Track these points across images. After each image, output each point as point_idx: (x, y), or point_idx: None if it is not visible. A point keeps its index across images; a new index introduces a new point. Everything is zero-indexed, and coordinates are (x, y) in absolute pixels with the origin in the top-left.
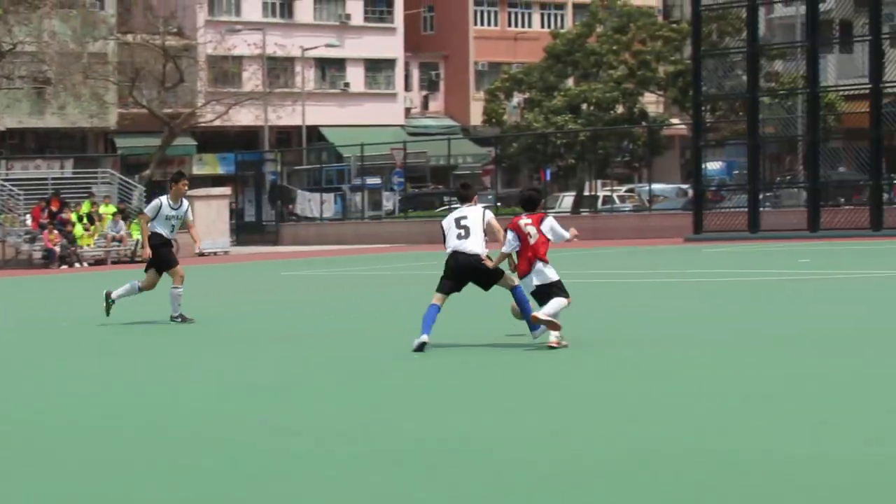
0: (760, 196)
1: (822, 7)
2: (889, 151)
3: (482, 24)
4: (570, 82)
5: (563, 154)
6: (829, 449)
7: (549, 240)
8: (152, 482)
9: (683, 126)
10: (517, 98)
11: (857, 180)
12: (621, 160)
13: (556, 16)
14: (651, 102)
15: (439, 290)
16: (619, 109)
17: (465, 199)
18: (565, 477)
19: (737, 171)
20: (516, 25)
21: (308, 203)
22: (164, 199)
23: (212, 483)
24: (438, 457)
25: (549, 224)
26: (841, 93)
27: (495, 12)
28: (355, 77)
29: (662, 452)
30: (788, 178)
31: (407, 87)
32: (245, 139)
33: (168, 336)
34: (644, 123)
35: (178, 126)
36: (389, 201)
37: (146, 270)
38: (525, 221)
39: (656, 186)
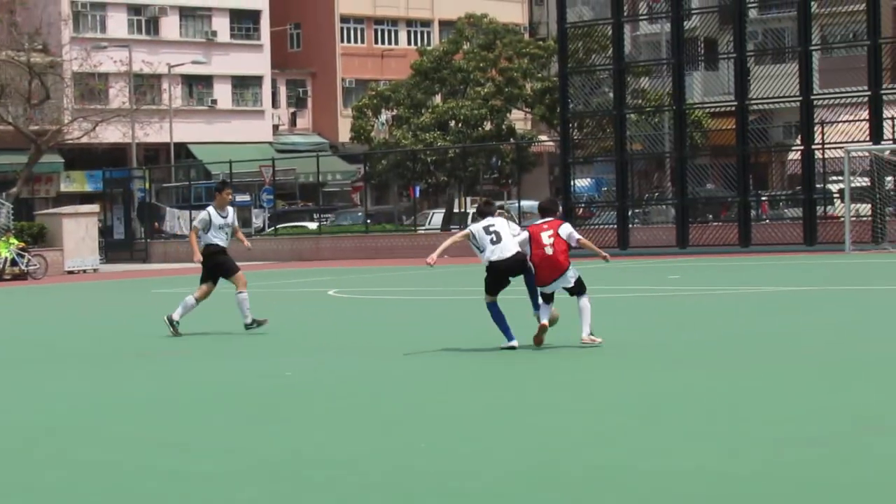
0: (629, 213)
1: (686, 25)
2: (755, 168)
3: (349, 41)
4: (437, 99)
5: (433, 171)
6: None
7: (569, 245)
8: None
9: (551, 143)
10: (385, 115)
11: (724, 197)
12: (490, 177)
13: (422, 33)
14: (519, 119)
15: (489, 291)
16: (488, 126)
17: (486, 214)
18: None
19: (605, 188)
20: (383, 42)
21: (177, 220)
22: (210, 210)
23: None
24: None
25: (567, 230)
26: (707, 110)
27: (362, 29)
28: (222, 94)
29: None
30: (657, 194)
31: (274, 104)
32: (113, 156)
33: (28, 354)
34: (512, 140)
35: (44, 143)
36: (259, 218)
37: (202, 282)
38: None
39: (526, 203)
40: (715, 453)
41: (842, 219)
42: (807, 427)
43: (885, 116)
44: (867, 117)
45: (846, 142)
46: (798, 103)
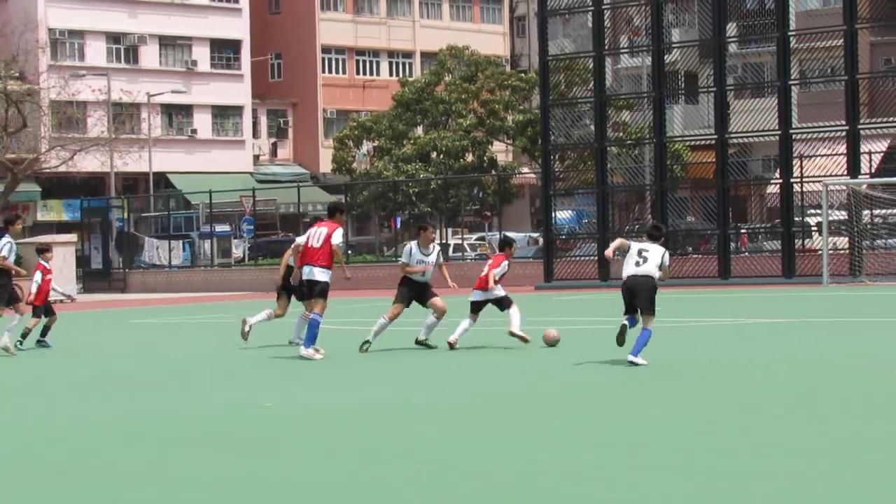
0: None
1: (667, 58)
2: (735, 201)
3: (330, 71)
4: (419, 130)
5: (415, 202)
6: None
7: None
8: None
9: (533, 175)
10: (366, 146)
11: (704, 229)
12: (472, 208)
13: (404, 64)
14: (500, 151)
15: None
16: (469, 158)
17: (654, 238)
18: None
19: (586, 220)
20: (365, 73)
21: (156, 250)
22: (413, 245)
23: None
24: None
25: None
26: (687, 143)
27: (343, 60)
28: (202, 123)
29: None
30: (637, 226)
31: (255, 134)
32: (91, 185)
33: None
34: (494, 172)
35: (21, 172)
36: (238, 249)
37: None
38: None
39: (513, 235)
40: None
41: (820, 252)
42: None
43: (862, 151)
44: (845, 151)
45: (824, 175)
46: (777, 137)
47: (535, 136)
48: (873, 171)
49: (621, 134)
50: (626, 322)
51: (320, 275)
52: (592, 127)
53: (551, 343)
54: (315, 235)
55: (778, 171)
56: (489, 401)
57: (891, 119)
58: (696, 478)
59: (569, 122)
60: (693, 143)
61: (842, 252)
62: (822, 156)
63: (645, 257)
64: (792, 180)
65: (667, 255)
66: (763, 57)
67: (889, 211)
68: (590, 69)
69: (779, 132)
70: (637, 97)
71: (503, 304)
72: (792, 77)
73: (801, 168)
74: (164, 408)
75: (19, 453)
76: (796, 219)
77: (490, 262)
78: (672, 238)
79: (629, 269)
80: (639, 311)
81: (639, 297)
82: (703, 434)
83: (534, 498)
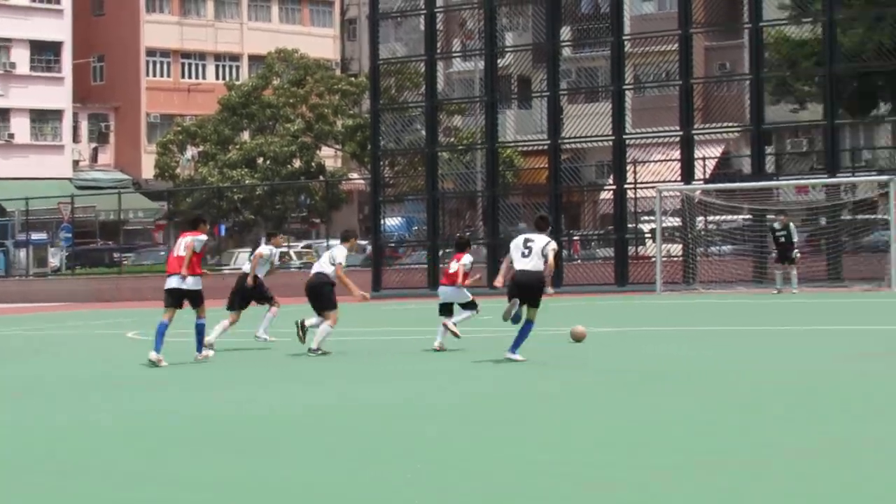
0: (440, 252)
1: (500, 62)
2: (568, 208)
3: (154, 74)
4: (245, 136)
5: (240, 209)
6: None
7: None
8: None
9: (362, 181)
10: (191, 151)
11: None
12: (299, 215)
13: (231, 67)
14: (329, 157)
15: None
16: (297, 163)
17: (541, 229)
18: None
19: (416, 227)
20: (190, 77)
21: None
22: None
23: None
24: None
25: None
26: (520, 148)
27: (168, 63)
28: (20, 128)
29: None
30: (468, 234)
31: (75, 139)
32: None
33: None
34: (322, 178)
35: None
36: (56, 258)
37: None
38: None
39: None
40: None
41: (653, 259)
42: None
43: (696, 156)
44: (679, 157)
45: (658, 182)
46: (611, 142)
47: (365, 141)
48: (707, 176)
49: (453, 139)
50: (517, 301)
51: (194, 283)
52: (423, 132)
53: (579, 339)
54: (179, 246)
55: (611, 176)
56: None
57: (725, 124)
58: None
59: (399, 126)
60: (526, 148)
61: (675, 259)
62: (656, 161)
63: (529, 248)
64: (625, 186)
65: (552, 245)
66: (597, 61)
67: (723, 217)
68: (421, 73)
69: (612, 137)
70: (469, 102)
71: (469, 306)
72: (626, 82)
73: (635, 174)
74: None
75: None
76: (630, 225)
77: (451, 260)
78: (503, 245)
79: (517, 261)
80: (524, 306)
81: (527, 292)
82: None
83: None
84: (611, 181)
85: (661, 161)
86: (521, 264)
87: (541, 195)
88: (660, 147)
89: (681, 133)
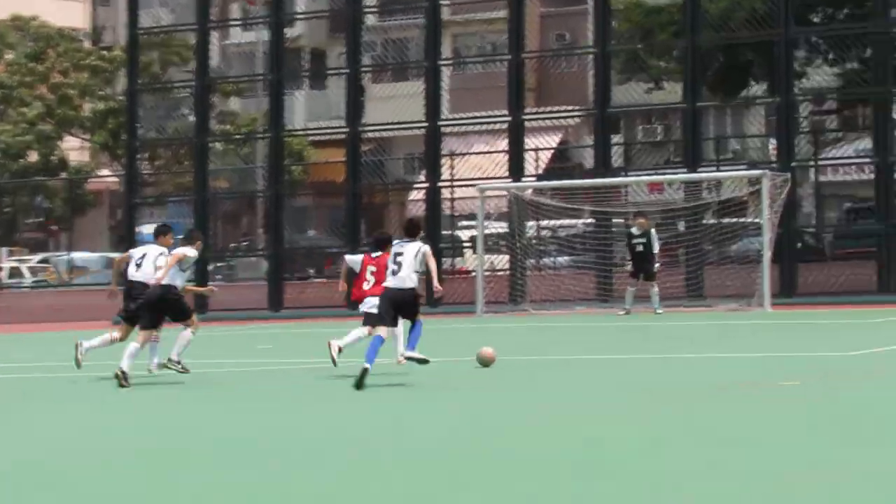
0: (210, 267)
1: (288, 33)
2: (369, 210)
3: None
4: None
5: None
6: None
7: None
8: None
9: (115, 178)
10: None
11: (329, 247)
12: (34, 221)
13: None
14: (74, 149)
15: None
16: (33, 157)
17: (410, 234)
18: None
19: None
20: None
21: None
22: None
23: None
24: None
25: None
26: (311, 138)
27: None
28: None
29: None
30: (245, 244)
31: None
32: None
33: None
34: (64, 175)
35: None
36: None
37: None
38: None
39: (78, 255)
40: None
41: (473, 274)
42: None
43: (527, 147)
44: (506, 148)
45: (480, 178)
46: (423, 131)
47: (119, 129)
48: (541, 171)
49: (228, 126)
50: (367, 365)
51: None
52: (192, 118)
53: (487, 362)
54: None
55: (423, 172)
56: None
57: (563, 108)
58: None
59: (162, 111)
60: (319, 137)
61: (501, 274)
62: (479, 154)
63: (399, 263)
64: (440, 184)
65: (424, 252)
66: (408, 31)
67: (560, 222)
68: (191, 46)
69: (425, 124)
70: (250, 81)
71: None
72: (443, 56)
73: (453, 169)
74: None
75: None
76: (445, 232)
77: (374, 264)
78: (289, 258)
79: (388, 279)
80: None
81: (402, 309)
82: None
83: None
84: (423, 178)
85: (485, 153)
86: (392, 281)
87: (337, 195)
88: (483, 136)
89: (509, 119)
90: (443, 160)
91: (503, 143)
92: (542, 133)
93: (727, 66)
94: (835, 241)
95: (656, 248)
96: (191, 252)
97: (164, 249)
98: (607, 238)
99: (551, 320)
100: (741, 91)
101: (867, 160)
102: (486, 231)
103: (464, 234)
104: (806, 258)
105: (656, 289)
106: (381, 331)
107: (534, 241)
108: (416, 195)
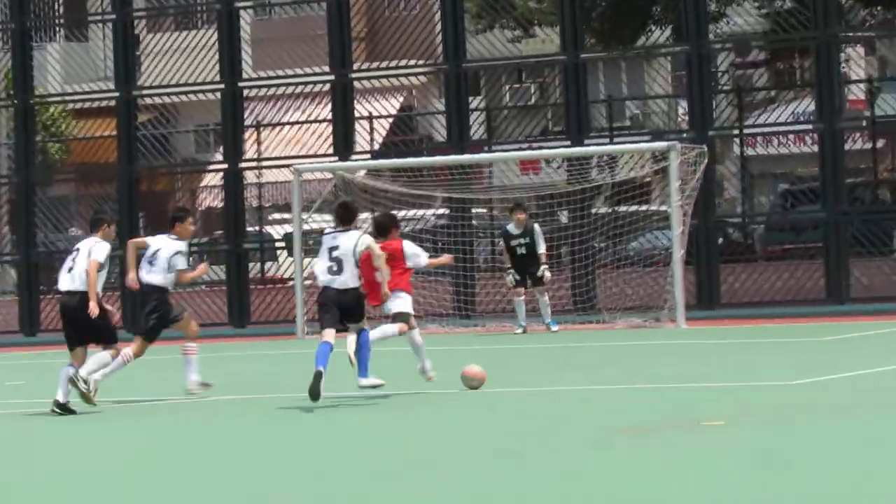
0: None
1: None
2: (147, 202)
3: None
4: None
5: None
6: None
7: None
8: None
9: None
10: None
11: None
12: None
13: None
14: None
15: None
16: None
17: (344, 221)
18: None
19: None
20: None
21: None
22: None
23: None
24: None
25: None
26: (70, 106)
27: None
28: None
29: None
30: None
31: None
32: None
33: None
34: None
35: None
36: None
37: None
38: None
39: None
40: None
41: (291, 284)
42: None
43: (357, 115)
44: (329, 117)
45: (296, 157)
46: (218, 94)
47: None
48: (376, 147)
49: None
50: (321, 367)
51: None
52: None
53: (474, 384)
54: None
55: (221, 149)
56: None
57: (403, 63)
58: None
59: None
60: (80, 105)
61: None
62: (293, 124)
63: (338, 259)
64: (242, 165)
65: (364, 242)
66: None
67: (403, 213)
68: None
69: (220, 86)
70: None
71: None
72: None
73: (259, 145)
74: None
75: None
76: (251, 229)
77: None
78: (46, 264)
79: (322, 275)
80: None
81: (346, 313)
82: None
83: None
84: (219, 157)
85: (302, 123)
86: (327, 279)
87: (106, 181)
88: (299, 101)
89: (331, 78)
90: (246, 133)
91: (325, 111)
92: (376, 96)
93: (618, 7)
94: (767, 235)
95: (542, 248)
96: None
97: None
98: (467, 234)
99: (394, 343)
100: (638, 38)
101: (808, 127)
102: (306, 227)
103: (275, 231)
104: (730, 258)
105: (546, 298)
106: (329, 336)
107: None
108: (212, 179)
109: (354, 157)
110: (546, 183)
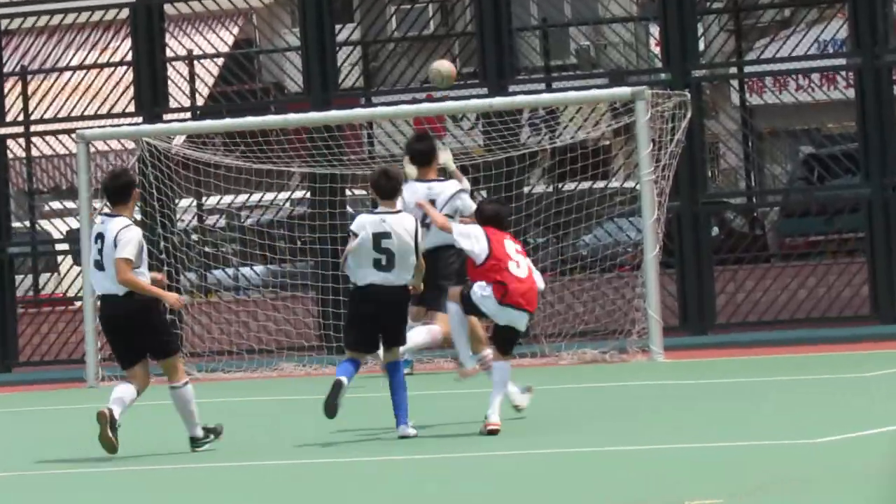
0: None
1: None
2: None
3: None
4: None
5: None
6: None
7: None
8: None
9: None
10: None
11: None
12: None
13: None
14: None
15: None
16: None
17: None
18: None
19: None
20: None
21: None
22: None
23: None
24: None
25: None
26: None
27: None
28: None
29: None
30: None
31: None
32: None
33: None
34: None
35: None
36: None
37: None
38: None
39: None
40: None
41: (77, 305)
42: None
43: (169, 56)
44: (129, 59)
45: (81, 118)
46: None
47: None
48: (201, 102)
49: None
50: (344, 377)
51: None
52: None
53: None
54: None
55: None
56: None
57: None
58: None
59: None
60: None
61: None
62: (75, 69)
63: (388, 250)
64: (3, 131)
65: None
66: None
67: (242, 198)
68: None
69: None
70: None
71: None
72: None
73: (26, 101)
74: None
75: None
76: (17, 224)
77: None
78: None
79: (366, 272)
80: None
81: (389, 317)
82: None
83: None
84: None
85: (89, 68)
86: (375, 276)
87: None
88: (84, 34)
89: (130, 1)
90: (6, 84)
91: (121, 49)
92: (198, 26)
93: None
94: (784, 223)
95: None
96: None
97: None
98: (338, 227)
99: (233, 388)
100: None
101: (840, 62)
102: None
103: (55, 228)
104: (727, 258)
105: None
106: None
107: (194, 238)
108: None
109: (168, 116)
110: (454, 150)
